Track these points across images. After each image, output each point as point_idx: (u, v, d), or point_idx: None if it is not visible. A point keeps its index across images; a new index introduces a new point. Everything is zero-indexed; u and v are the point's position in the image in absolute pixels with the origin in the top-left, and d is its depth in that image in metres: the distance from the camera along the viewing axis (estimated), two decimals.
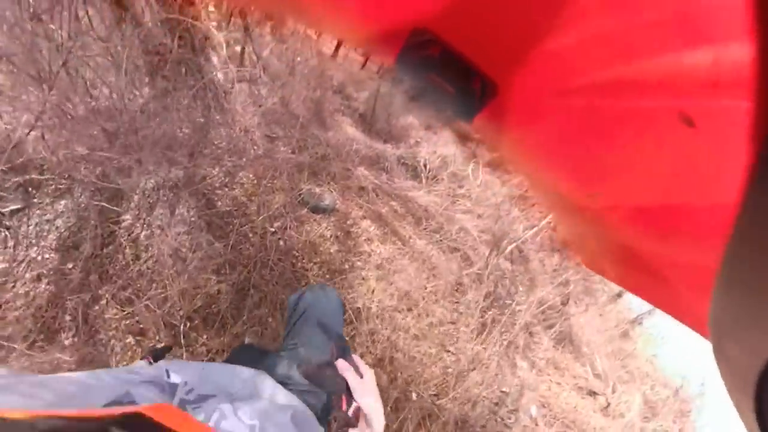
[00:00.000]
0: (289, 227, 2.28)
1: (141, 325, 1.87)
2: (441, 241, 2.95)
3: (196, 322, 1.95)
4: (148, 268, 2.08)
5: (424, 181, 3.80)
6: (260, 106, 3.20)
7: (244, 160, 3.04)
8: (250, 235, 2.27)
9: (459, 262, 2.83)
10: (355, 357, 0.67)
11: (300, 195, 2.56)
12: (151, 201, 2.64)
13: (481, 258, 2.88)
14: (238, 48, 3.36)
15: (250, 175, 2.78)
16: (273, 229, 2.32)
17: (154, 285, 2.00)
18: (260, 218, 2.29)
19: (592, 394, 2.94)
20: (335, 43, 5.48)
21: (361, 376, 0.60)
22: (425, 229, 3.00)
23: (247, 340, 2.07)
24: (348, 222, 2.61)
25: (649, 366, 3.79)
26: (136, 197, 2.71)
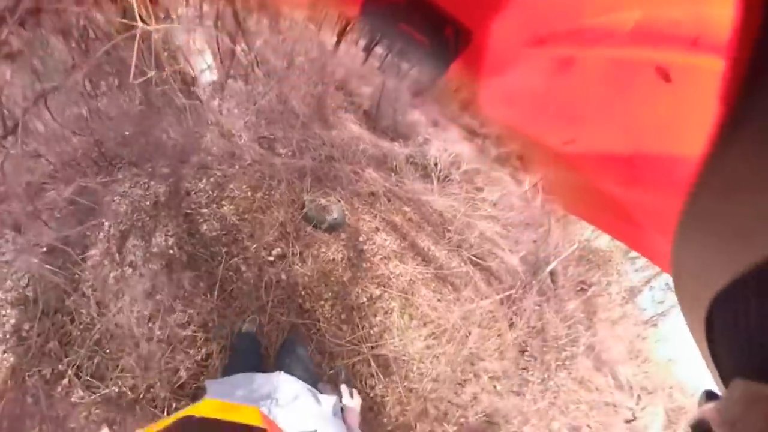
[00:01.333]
0: (291, 254, 1.70)
1: (114, 414, 1.29)
2: (466, 255, 2.37)
3: (183, 402, 1.34)
4: (117, 326, 1.49)
5: (435, 181, 3.18)
6: (255, 103, 2.53)
7: (237, 167, 2.40)
8: (243, 268, 1.67)
9: (489, 281, 2.26)
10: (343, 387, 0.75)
11: (303, 210, 1.96)
12: (123, 228, 2.01)
13: (511, 273, 2.31)
14: (227, 42, 2.65)
15: (243, 186, 2.17)
16: (271, 258, 1.73)
17: (125, 350, 1.41)
18: (255, 246, 1.70)
19: (618, 407, 2.47)
20: (336, 38, 4.72)
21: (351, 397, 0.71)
22: (449, 241, 2.40)
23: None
24: (360, 238, 2.01)
25: (665, 371, 3.34)
26: (106, 224, 2.08)
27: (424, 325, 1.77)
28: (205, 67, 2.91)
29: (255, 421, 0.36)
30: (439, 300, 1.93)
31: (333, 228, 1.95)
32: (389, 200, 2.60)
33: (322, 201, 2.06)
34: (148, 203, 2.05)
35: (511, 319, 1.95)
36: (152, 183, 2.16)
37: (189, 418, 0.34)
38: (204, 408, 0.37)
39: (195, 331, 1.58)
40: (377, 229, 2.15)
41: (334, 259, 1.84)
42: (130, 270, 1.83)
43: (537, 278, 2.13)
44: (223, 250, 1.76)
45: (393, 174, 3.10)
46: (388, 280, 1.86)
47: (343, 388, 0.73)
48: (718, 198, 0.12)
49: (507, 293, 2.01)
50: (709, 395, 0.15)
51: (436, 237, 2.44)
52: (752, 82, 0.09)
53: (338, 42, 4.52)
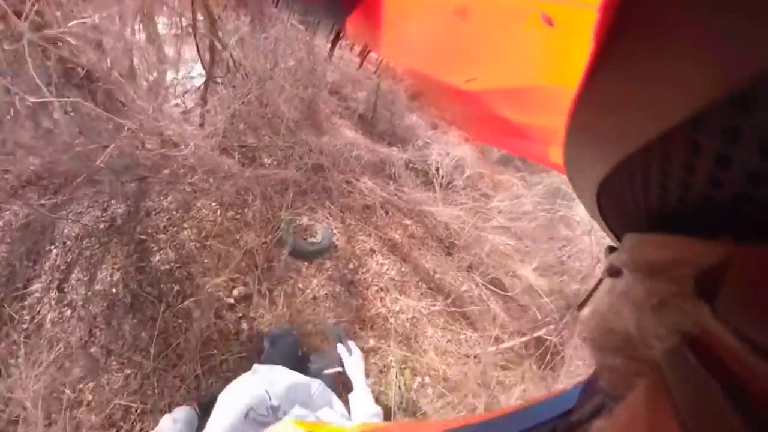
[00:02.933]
0: (257, 294, 1.15)
1: None
2: (479, 279, 1.76)
3: None
4: (45, 388, 0.97)
5: (438, 188, 2.59)
6: (229, 107, 1.99)
7: (211, 180, 1.87)
8: (195, 314, 1.10)
9: (509, 309, 1.64)
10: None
11: (278, 232, 1.39)
12: (70, 258, 1.49)
13: (535, 302, 1.71)
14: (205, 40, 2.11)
15: (213, 204, 1.63)
16: (231, 300, 1.17)
17: (51, 417, 0.89)
18: (212, 282, 1.15)
19: None
20: (330, 41, 4.12)
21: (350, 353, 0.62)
22: (458, 261, 1.80)
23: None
24: (351, 265, 1.44)
25: None
26: (54, 252, 1.55)
27: (431, 382, 1.18)
28: (195, 75, 2.38)
29: None
30: (449, 340, 1.35)
31: (316, 254, 1.38)
32: (387, 213, 2.02)
33: (304, 220, 1.50)
34: (101, 227, 1.52)
35: (548, 364, 1.35)
36: (113, 201, 1.62)
37: None
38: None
39: (131, 402, 1.03)
40: (372, 251, 1.57)
41: (315, 298, 1.26)
42: (69, 311, 1.31)
43: (570, 311, 1.53)
44: (174, 289, 1.22)
45: (391, 182, 2.51)
46: (385, 322, 1.28)
47: (340, 348, 0.63)
48: (591, 114, 0.14)
49: (536, 332, 1.40)
50: (611, 249, 0.19)
51: (442, 255, 1.86)
52: (618, 23, 0.10)
53: (332, 47, 3.90)
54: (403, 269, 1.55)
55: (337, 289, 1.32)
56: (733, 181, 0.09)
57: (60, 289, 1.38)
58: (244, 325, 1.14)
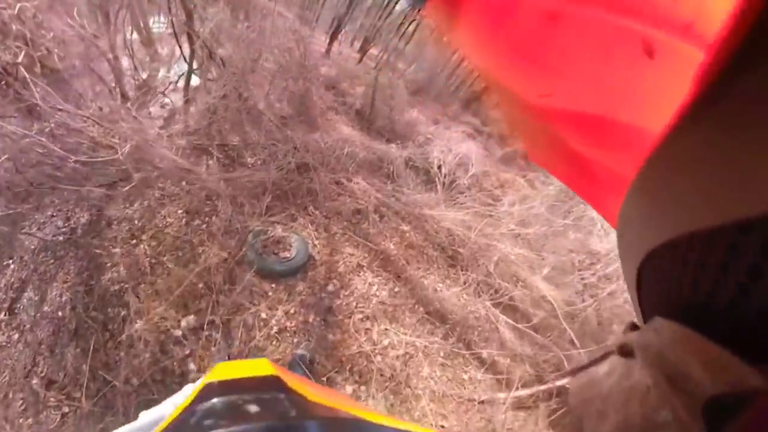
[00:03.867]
0: (208, 325, 0.85)
1: None
2: (487, 299, 1.35)
3: None
4: None
5: (440, 188, 2.19)
6: (205, 103, 1.68)
7: (184, 183, 1.59)
8: (140, 345, 0.84)
9: (522, 336, 1.22)
10: None
11: (243, 246, 1.07)
12: (25, 274, 1.26)
13: (548, 320, 1.30)
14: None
15: (179, 211, 1.34)
16: (179, 332, 0.87)
17: None
18: (160, 309, 0.86)
19: None
20: (328, 37, 3.71)
21: None
22: (464, 276, 1.40)
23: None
24: (330, 286, 1.08)
25: None
26: (12, 267, 1.34)
27: None
28: (181, 72, 2.10)
29: (267, 371, 0.30)
30: (449, 380, 0.97)
31: (288, 273, 1.05)
32: (382, 218, 1.67)
33: (278, 231, 1.17)
34: (60, 239, 1.28)
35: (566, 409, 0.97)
36: (77, 210, 1.39)
37: (209, 385, 0.28)
38: (219, 372, 0.30)
39: None
40: (360, 267, 1.22)
41: (281, 331, 0.93)
42: (17, 335, 1.08)
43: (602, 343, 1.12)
44: (121, 314, 0.95)
45: (389, 182, 2.14)
46: (368, 362, 0.92)
47: None
48: (668, 171, 0.12)
49: (558, 381, 0.98)
50: (633, 326, 0.16)
51: (444, 268, 1.49)
52: (730, 74, 0.08)
53: (331, 41, 3.49)
54: (396, 289, 1.19)
55: (311, 319, 0.98)
56: (761, 295, 0.08)
57: (11, 311, 1.15)
58: (192, 365, 0.85)
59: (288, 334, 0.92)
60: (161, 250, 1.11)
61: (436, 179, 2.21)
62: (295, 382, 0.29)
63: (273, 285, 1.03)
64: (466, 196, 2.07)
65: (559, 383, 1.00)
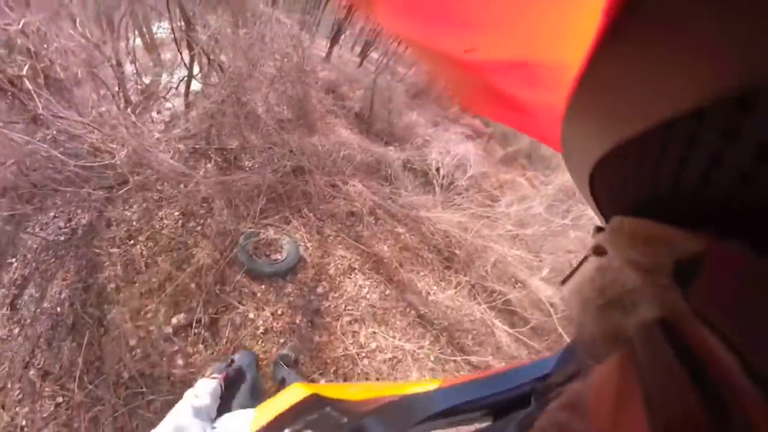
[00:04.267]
0: (196, 323, 0.87)
1: None
2: (483, 303, 1.33)
3: None
4: None
5: (438, 190, 2.20)
6: (204, 108, 1.74)
7: (182, 186, 1.63)
8: (132, 341, 0.86)
9: (519, 342, 1.20)
10: None
11: (234, 249, 1.10)
12: (27, 272, 1.31)
13: (546, 323, 1.27)
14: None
15: (176, 213, 1.38)
16: (169, 329, 0.90)
17: None
18: (152, 307, 0.89)
19: None
20: (328, 42, 3.80)
21: None
22: (460, 286, 1.37)
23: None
24: (320, 288, 1.09)
25: None
26: (15, 265, 1.40)
27: None
28: (182, 78, 2.18)
29: (302, 394, 0.32)
30: None
31: (277, 275, 1.07)
32: (377, 220, 1.68)
33: (270, 233, 1.19)
34: (62, 238, 1.34)
35: None
36: (78, 211, 1.44)
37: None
38: (261, 417, 0.31)
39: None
40: (351, 269, 1.23)
41: (266, 332, 0.94)
42: (18, 329, 1.13)
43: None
44: (114, 311, 0.98)
45: (386, 184, 2.15)
46: (353, 365, 0.92)
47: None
48: (594, 92, 0.13)
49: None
50: (599, 229, 0.18)
51: (439, 271, 1.48)
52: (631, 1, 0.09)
53: (331, 46, 3.57)
54: (387, 292, 1.19)
55: (298, 321, 0.99)
56: (724, 181, 0.09)
57: (12, 306, 1.20)
58: (180, 361, 0.87)
59: (273, 335, 0.94)
60: (157, 250, 1.15)
61: (434, 181, 2.22)
62: (334, 389, 0.31)
63: (262, 286, 1.05)
64: (463, 198, 2.07)
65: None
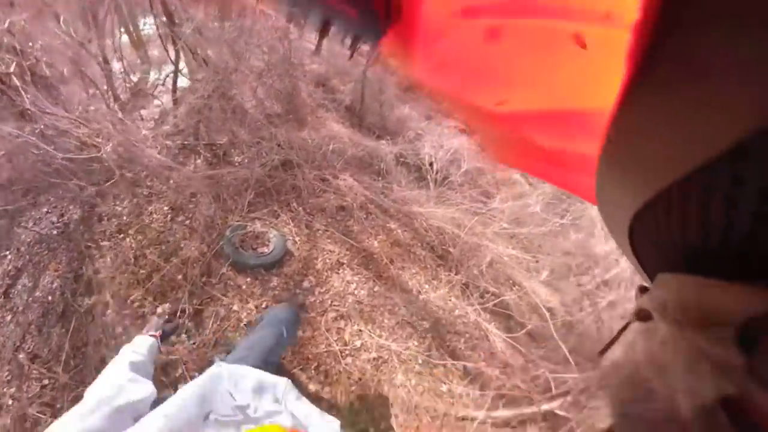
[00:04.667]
0: (181, 312, 0.90)
1: None
2: (476, 302, 1.33)
3: None
4: None
5: (432, 185, 2.20)
6: (192, 102, 1.75)
7: (171, 182, 1.66)
8: (118, 329, 0.90)
9: (516, 348, 1.18)
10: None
11: (221, 241, 1.12)
12: (21, 263, 1.36)
13: (542, 326, 1.28)
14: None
15: (165, 208, 1.41)
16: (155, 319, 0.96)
17: None
18: (138, 295, 0.92)
19: None
20: (318, 34, 3.74)
21: None
22: (453, 285, 1.37)
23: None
24: (307, 282, 1.11)
25: None
26: (9, 257, 1.45)
27: None
28: (167, 74, 2.18)
29: None
30: (425, 391, 0.91)
31: (263, 268, 1.09)
32: (368, 215, 1.69)
33: (257, 226, 1.21)
34: (54, 232, 1.37)
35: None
36: (71, 207, 1.48)
37: None
38: None
39: (41, 413, 0.85)
40: (339, 264, 1.25)
41: (250, 324, 0.97)
42: (10, 316, 1.17)
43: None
44: (104, 300, 1.02)
45: (379, 179, 2.15)
46: (336, 363, 0.93)
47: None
48: (626, 141, 0.13)
49: (549, 404, 0.92)
50: (642, 289, 0.16)
51: (432, 268, 1.49)
52: (654, 46, 0.09)
53: (320, 40, 3.55)
54: (375, 289, 1.20)
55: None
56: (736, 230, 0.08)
57: (6, 295, 1.25)
58: (161, 349, 0.90)
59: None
60: (145, 243, 1.18)
61: (428, 176, 2.21)
62: None
63: (248, 279, 1.07)
64: (458, 193, 2.06)
65: (546, 407, 0.95)
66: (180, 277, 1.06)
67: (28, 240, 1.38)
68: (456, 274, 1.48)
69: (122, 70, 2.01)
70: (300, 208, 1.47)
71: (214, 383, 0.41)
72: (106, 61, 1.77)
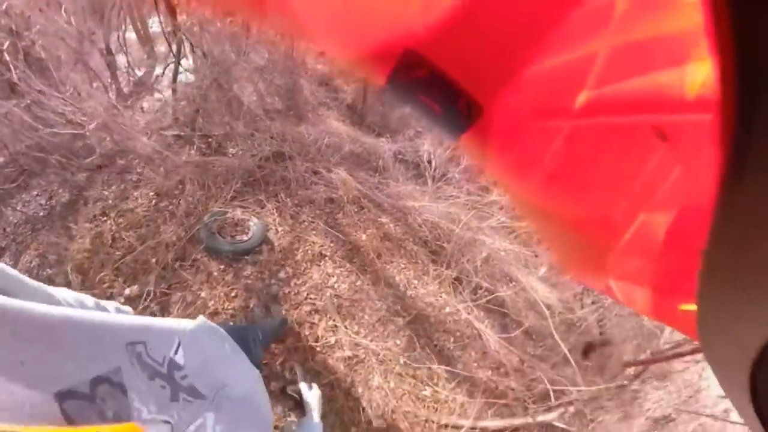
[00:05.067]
0: (147, 296, 0.85)
1: None
2: (469, 298, 1.24)
3: None
4: None
5: (430, 182, 2.14)
6: (188, 93, 1.78)
7: (161, 169, 1.67)
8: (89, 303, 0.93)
9: (511, 348, 1.08)
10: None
11: (198, 226, 1.09)
12: (5, 243, 1.36)
13: (541, 326, 1.17)
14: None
15: (150, 193, 1.40)
16: (121, 300, 0.90)
17: None
18: (106, 276, 0.88)
19: None
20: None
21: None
22: (443, 280, 1.28)
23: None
24: (284, 273, 1.05)
25: None
26: None
27: None
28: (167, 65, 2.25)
29: None
30: (405, 395, 0.83)
31: (238, 254, 1.04)
32: (361, 209, 1.65)
33: (237, 213, 1.18)
34: (41, 214, 1.39)
35: None
36: (60, 191, 1.50)
37: None
38: None
39: None
40: (321, 255, 1.19)
41: (216, 312, 0.91)
42: None
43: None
44: (78, 279, 0.99)
45: (375, 174, 2.13)
46: (305, 360, 0.84)
47: (302, 386, 0.62)
48: (737, 246, 0.09)
49: (545, 416, 0.79)
50: None
51: (424, 264, 1.42)
52: (744, 122, 0.07)
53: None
54: (358, 283, 1.13)
55: (251, 305, 0.95)
56: None
57: None
58: None
59: (224, 316, 0.90)
60: (126, 226, 1.16)
61: (426, 173, 2.17)
62: None
63: (221, 266, 1.02)
64: (455, 189, 2.00)
65: (541, 418, 0.85)
66: (154, 260, 1.03)
67: (15, 221, 1.40)
68: (448, 269, 1.39)
69: (127, 63, 2.09)
70: (288, 199, 1.43)
71: (176, 327, 0.33)
72: (110, 53, 1.84)
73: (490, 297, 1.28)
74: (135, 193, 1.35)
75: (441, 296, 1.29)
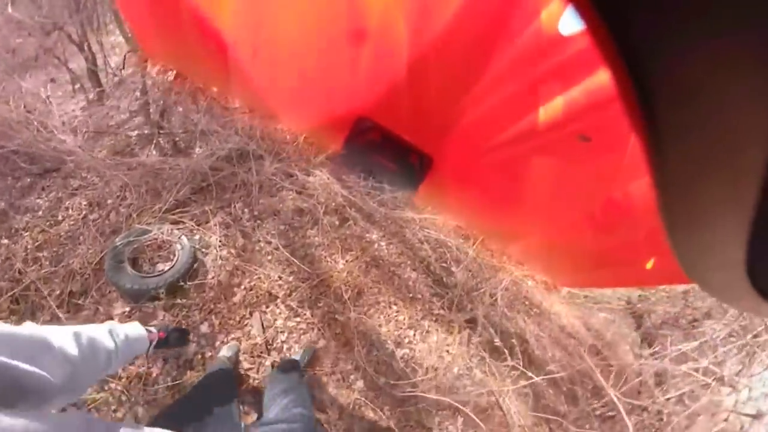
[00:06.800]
0: None
1: None
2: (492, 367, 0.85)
3: None
4: None
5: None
6: (156, 93, 1.62)
7: (107, 172, 1.50)
8: None
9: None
10: None
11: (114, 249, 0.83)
12: None
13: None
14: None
15: (84, 203, 1.22)
16: None
17: None
18: (9, 308, 0.68)
19: None
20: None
21: None
22: (451, 327, 0.85)
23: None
24: (206, 326, 0.70)
25: None
26: None
27: None
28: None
29: None
30: None
31: (143, 296, 0.77)
32: (344, 222, 1.35)
33: (163, 231, 0.92)
34: None
35: None
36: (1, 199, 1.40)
37: None
38: None
39: None
40: (271, 296, 0.85)
41: (103, 383, 0.63)
42: None
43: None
44: None
45: (369, 177, 1.84)
46: None
47: None
48: (677, 196, 0.12)
49: None
50: None
51: (424, 299, 1.07)
52: (646, 111, 0.09)
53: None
54: (320, 344, 0.77)
55: (155, 374, 0.64)
56: None
57: None
58: (148, 354, 0.63)
59: (102, 411, 0.61)
60: (42, 244, 0.97)
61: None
62: None
63: (125, 310, 0.76)
64: None
65: None
66: (58, 291, 0.82)
67: None
68: (459, 311, 1.03)
69: (108, 64, 2.04)
70: (245, 210, 1.18)
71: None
72: (90, 50, 1.78)
73: (513, 347, 0.91)
74: (67, 203, 1.19)
75: (448, 351, 0.93)
